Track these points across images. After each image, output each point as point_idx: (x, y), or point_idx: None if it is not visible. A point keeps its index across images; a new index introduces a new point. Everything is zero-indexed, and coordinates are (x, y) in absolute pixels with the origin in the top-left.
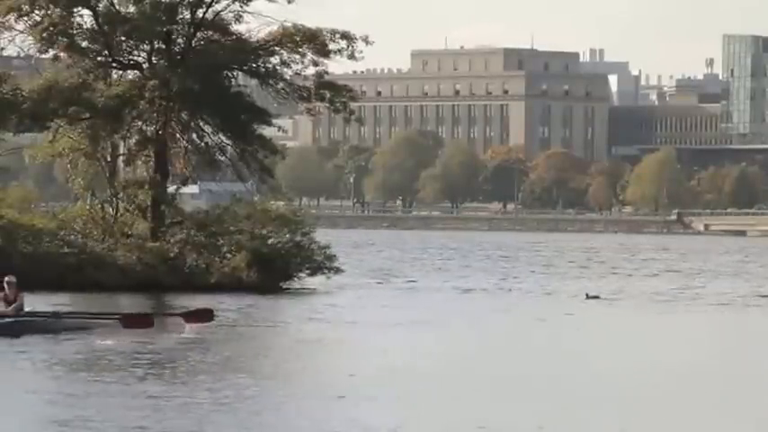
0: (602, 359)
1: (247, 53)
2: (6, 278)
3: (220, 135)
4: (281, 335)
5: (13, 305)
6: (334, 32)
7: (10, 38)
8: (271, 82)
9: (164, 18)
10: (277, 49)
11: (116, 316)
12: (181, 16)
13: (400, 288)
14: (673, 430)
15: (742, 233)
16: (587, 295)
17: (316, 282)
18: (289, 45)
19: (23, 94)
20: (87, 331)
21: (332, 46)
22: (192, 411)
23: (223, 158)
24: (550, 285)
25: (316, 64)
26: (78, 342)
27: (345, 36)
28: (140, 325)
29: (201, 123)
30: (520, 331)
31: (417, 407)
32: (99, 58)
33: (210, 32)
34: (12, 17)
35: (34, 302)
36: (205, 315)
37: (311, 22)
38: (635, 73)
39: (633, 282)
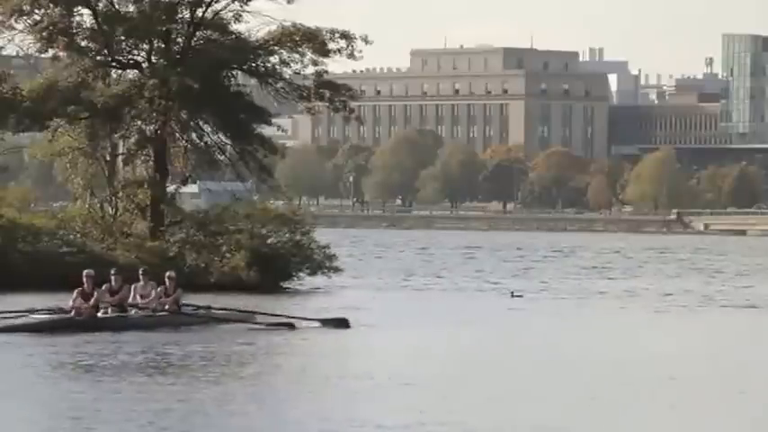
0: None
1: (247, 52)
2: (168, 274)
3: (220, 134)
4: (290, 336)
5: (173, 297)
6: (333, 32)
7: (9, 37)
8: (270, 81)
9: (163, 17)
10: (276, 48)
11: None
12: (180, 15)
13: (399, 287)
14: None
15: (742, 233)
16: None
17: (316, 281)
18: (288, 44)
19: (23, 93)
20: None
21: (331, 45)
22: (192, 413)
23: (222, 158)
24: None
25: (315, 63)
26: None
27: (345, 35)
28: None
29: (201, 123)
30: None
31: (421, 409)
32: (98, 58)
33: (210, 32)
34: (12, 17)
35: (34, 302)
36: (342, 323)
37: (311, 22)
38: (635, 72)
39: None
